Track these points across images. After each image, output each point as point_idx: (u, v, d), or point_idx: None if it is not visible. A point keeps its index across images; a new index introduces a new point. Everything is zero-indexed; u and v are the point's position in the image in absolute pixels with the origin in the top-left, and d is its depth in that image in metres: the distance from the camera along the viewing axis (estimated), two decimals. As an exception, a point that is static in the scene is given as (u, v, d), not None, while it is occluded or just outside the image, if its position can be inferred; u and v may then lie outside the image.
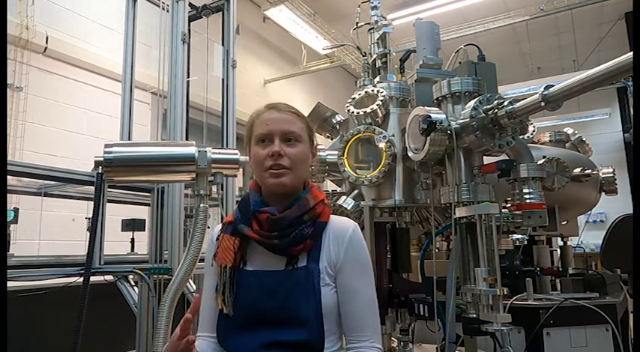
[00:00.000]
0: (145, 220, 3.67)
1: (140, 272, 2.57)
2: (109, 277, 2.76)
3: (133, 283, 2.76)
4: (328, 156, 2.22)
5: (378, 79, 2.27)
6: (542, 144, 3.15)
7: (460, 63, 2.03)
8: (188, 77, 2.92)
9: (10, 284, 2.16)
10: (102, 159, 1.82)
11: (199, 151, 1.92)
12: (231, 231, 1.21)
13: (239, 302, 1.14)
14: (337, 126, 2.44)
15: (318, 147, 1.36)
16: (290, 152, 1.18)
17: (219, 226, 1.27)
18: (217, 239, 1.23)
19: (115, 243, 3.38)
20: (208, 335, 1.21)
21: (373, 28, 2.36)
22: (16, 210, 3.05)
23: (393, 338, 2.11)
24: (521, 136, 2.03)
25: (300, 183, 1.22)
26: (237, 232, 1.19)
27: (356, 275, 1.18)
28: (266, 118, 1.22)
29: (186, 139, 2.98)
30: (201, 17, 3.35)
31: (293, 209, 1.17)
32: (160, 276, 2.55)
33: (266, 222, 1.16)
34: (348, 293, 1.16)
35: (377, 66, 2.32)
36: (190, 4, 3.15)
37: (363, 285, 1.18)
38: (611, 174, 2.96)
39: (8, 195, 3.06)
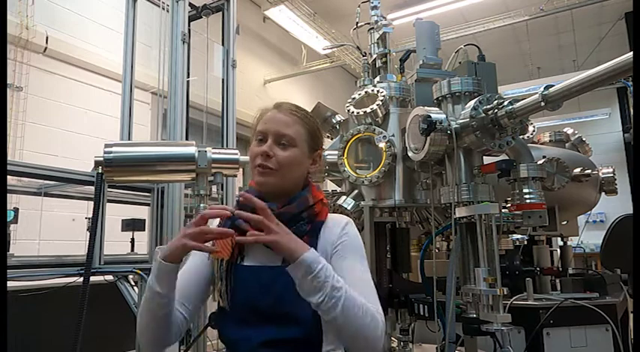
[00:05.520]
0: (145, 220, 3.66)
1: (140, 272, 2.57)
2: (109, 277, 2.76)
3: (133, 283, 2.76)
4: (328, 156, 2.22)
5: (378, 79, 2.27)
6: (542, 144, 3.15)
7: (460, 63, 2.03)
8: (188, 77, 2.92)
9: (10, 284, 2.15)
10: (102, 159, 1.82)
11: (199, 151, 1.92)
12: (229, 226, 1.20)
13: (236, 297, 1.15)
14: (337, 126, 2.44)
15: (322, 155, 1.35)
16: (279, 154, 1.18)
17: (217, 221, 1.26)
18: None
19: (115, 243, 3.38)
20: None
21: (373, 28, 2.36)
22: (16, 210, 3.05)
23: (393, 338, 2.11)
24: (521, 136, 2.04)
25: (288, 185, 1.21)
26: (235, 227, 1.19)
27: (350, 257, 1.17)
28: (266, 117, 1.23)
29: (186, 139, 2.98)
30: (201, 17, 3.35)
31: (292, 206, 1.18)
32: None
33: None
34: (343, 271, 1.13)
35: (377, 66, 2.32)
36: (190, 4, 3.14)
37: (357, 265, 1.17)
38: (611, 174, 2.96)
39: (8, 195, 3.06)
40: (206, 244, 1.10)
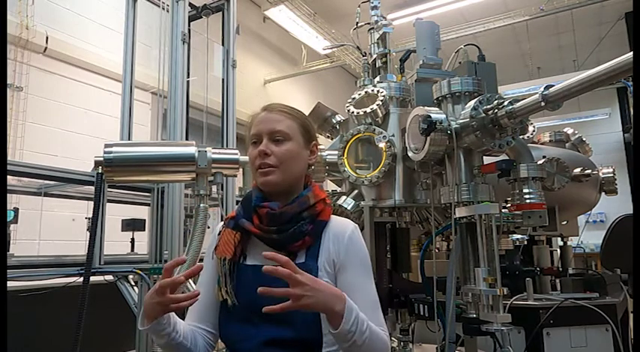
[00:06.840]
0: (145, 220, 3.66)
1: (140, 272, 2.57)
2: (109, 277, 2.76)
3: (133, 283, 2.76)
4: (328, 156, 2.22)
5: (378, 79, 2.27)
6: (542, 144, 3.15)
7: (460, 63, 2.02)
8: (188, 77, 2.92)
9: (10, 284, 2.15)
10: (102, 159, 1.82)
11: (199, 151, 1.92)
12: (232, 226, 1.23)
13: (238, 296, 1.17)
14: (337, 126, 2.44)
15: (319, 146, 1.37)
16: (276, 150, 1.20)
17: (219, 226, 1.30)
18: (219, 233, 1.27)
19: (115, 243, 3.38)
20: (195, 324, 1.23)
21: (373, 28, 2.36)
22: (16, 210, 3.05)
23: (393, 338, 2.11)
24: (521, 136, 2.04)
25: (291, 180, 1.23)
26: (238, 226, 1.22)
27: (358, 273, 1.20)
28: (257, 119, 1.25)
29: (186, 139, 2.98)
30: (201, 17, 3.35)
31: (293, 205, 1.20)
32: (160, 276, 2.54)
33: (266, 217, 1.18)
34: (352, 291, 1.16)
35: (377, 66, 2.32)
36: (190, 4, 3.14)
37: (365, 282, 1.20)
38: (611, 174, 2.96)
39: (8, 195, 3.05)
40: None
